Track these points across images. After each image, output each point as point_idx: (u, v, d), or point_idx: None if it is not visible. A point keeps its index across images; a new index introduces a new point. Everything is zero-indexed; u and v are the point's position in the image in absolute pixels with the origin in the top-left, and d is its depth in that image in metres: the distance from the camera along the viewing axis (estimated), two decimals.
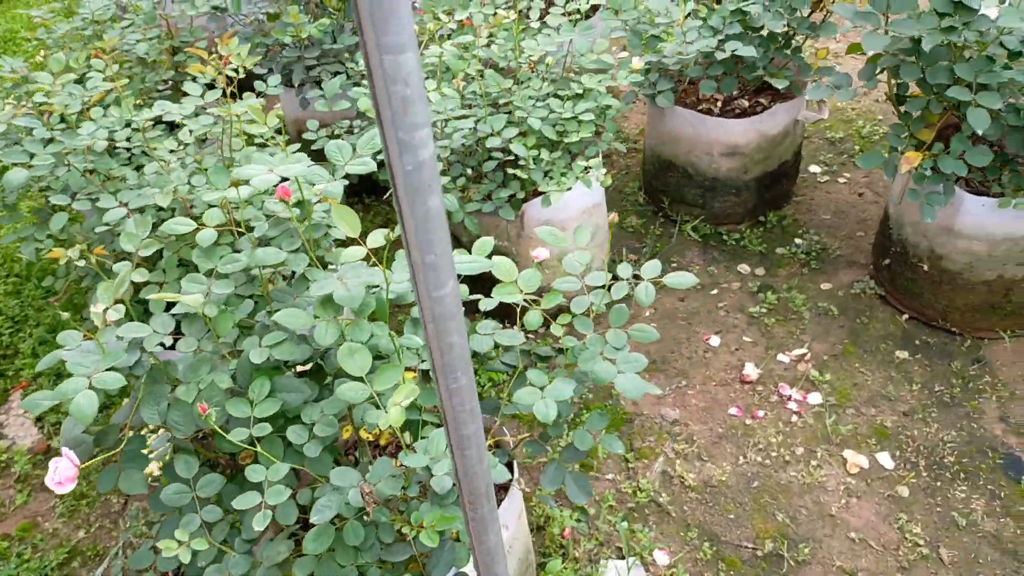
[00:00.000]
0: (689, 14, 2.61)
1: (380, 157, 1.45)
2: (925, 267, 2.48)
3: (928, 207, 2.25)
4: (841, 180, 3.20)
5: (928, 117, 2.30)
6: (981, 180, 2.35)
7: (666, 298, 2.79)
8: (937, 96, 2.24)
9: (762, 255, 2.91)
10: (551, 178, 2.36)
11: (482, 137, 2.31)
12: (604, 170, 2.36)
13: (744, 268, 2.86)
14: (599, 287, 1.59)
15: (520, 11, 2.62)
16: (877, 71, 2.29)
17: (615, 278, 1.57)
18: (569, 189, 2.35)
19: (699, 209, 2.99)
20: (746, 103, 2.82)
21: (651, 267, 1.52)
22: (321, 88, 2.73)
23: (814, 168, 3.27)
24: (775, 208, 3.05)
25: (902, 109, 2.34)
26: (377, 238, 1.29)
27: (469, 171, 2.46)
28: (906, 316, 2.61)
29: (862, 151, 3.31)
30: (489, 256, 1.39)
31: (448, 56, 2.37)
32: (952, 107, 2.23)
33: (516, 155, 2.35)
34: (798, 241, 2.92)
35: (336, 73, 2.96)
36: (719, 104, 2.82)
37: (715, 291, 2.80)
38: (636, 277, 1.55)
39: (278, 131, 2.32)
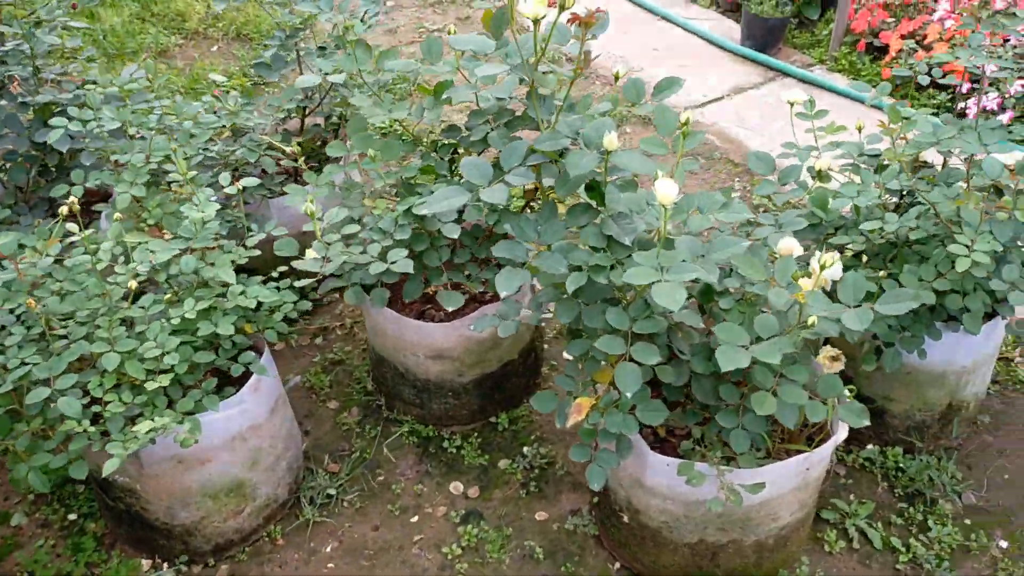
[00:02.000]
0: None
1: None
2: (625, 518, 2.09)
3: (598, 469, 1.85)
4: None
5: (608, 356, 1.93)
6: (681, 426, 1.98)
7: (357, 526, 2.36)
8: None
9: (482, 469, 2.49)
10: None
11: None
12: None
13: (457, 487, 2.45)
14: None
15: None
16: (540, 303, 1.92)
17: None
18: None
19: (418, 408, 2.59)
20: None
21: None
22: None
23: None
24: (513, 406, 2.65)
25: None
26: None
27: None
28: (618, 565, 2.20)
29: None
30: None
31: None
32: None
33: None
34: (525, 451, 2.52)
35: None
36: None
37: (416, 517, 2.37)
38: None
39: None
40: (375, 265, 2.04)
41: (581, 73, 1.79)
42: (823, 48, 4.43)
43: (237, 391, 2.09)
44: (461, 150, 2.39)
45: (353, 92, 2.38)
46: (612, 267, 1.77)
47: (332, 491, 2.43)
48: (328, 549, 2.31)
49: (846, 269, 2.13)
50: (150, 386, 1.78)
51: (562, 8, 1.67)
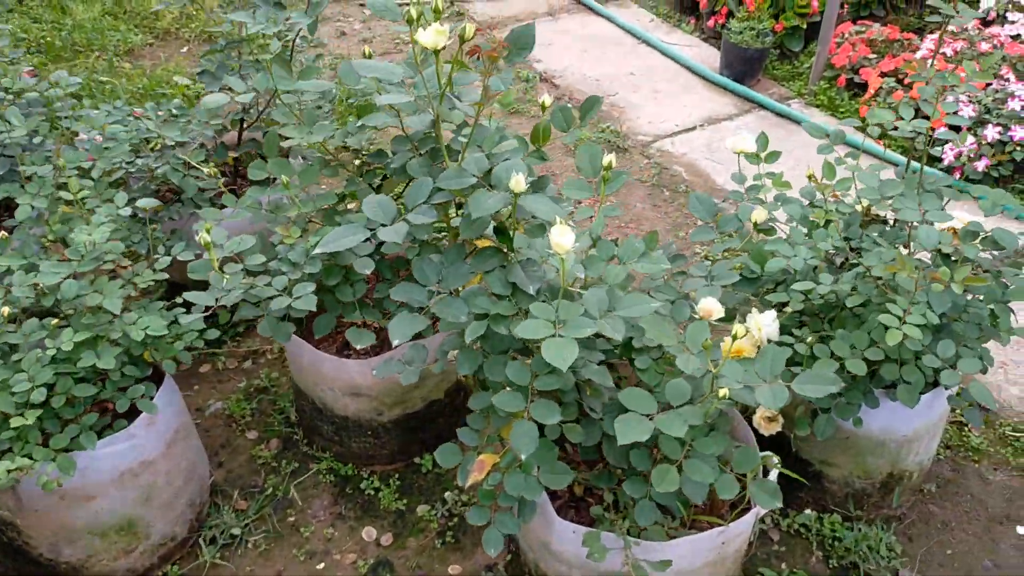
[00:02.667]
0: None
1: None
2: None
3: (496, 534, 1.72)
4: None
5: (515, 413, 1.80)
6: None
7: (259, 570, 2.22)
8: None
9: (399, 514, 2.36)
10: None
11: None
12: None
13: (370, 532, 2.31)
14: None
15: None
16: (447, 353, 1.80)
17: None
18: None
19: (337, 446, 2.46)
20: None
21: None
22: None
23: None
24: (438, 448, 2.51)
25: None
26: None
27: None
28: None
29: None
30: None
31: None
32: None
33: None
34: (447, 496, 2.38)
35: None
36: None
37: (323, 565, 2.24)
38: None
39: None
40: (278, 300, 1.91)
41: (482, 110, 1.66)
42: (803, 81, 4.31)
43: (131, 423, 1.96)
44: (388, 176, 2.26)
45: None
46: (516, 316, 1.65)
47: (237, 531, 2.30)
48: None
49: (784, 330, 2.02)
50: (15, 422, 1.64)
51: (462, 40, 1.54)
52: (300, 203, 2.13)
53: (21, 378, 1.69)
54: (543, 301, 1.63)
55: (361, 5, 5.33)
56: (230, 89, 2.17)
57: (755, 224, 2.03)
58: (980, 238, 1.73)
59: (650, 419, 1.53)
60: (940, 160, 3.54)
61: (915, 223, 1.69)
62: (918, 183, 1.82)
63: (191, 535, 2.26)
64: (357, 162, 2.28)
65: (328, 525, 2.33)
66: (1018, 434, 2.49)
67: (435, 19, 1.56)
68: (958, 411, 2.56)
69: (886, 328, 1.63)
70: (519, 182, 1.59)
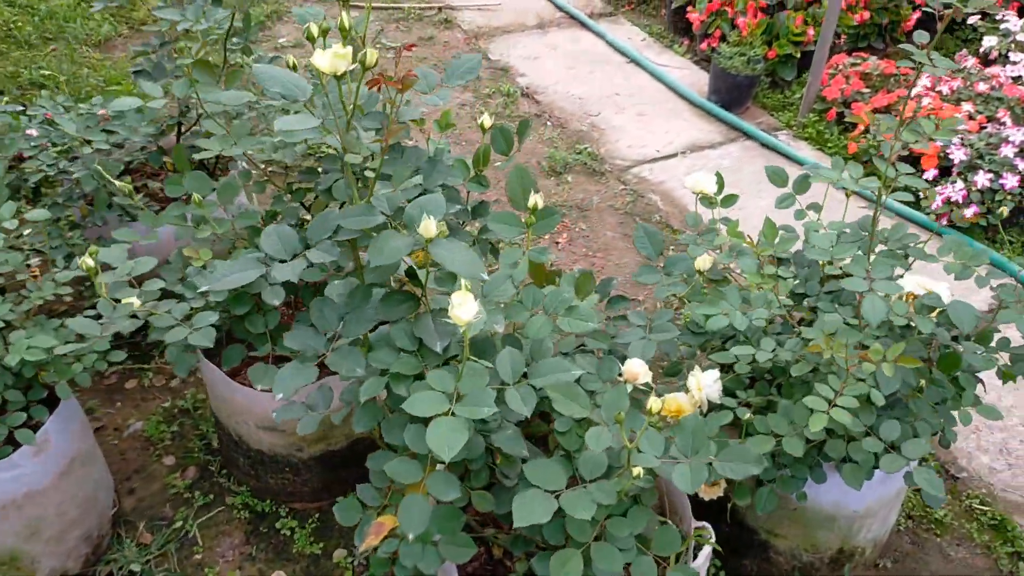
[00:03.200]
0: None
1: None
2: None
3: None
4: None
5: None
6: None
7: None
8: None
9: (313, 559, 2.19)
10: None
11: None
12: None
13: None
14: None
15: None
16: (348, 402, 1.63)
17: None
18: None
19: (254, 480, 2.29)
20: None
21: None
22: None
23: None
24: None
25: None
26: None
27: None
28: None
29: None
30: None
31: None
32: None
33: None
34: None
35: None
36: None
37: None
38: None
39: None
40: (175, 331, 1.75)
41: (387, 144, 1.50)
42: (793, 112, 4.15)
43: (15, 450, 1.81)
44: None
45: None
46: (421, 376, 1.48)
47: (136, 567, 2.13)
48: None
49: (728, 392, 1.85)
50: None
51: (364, 68, 1.37)
52: (215, 222, 1.97)
53: None
54: (449, 362, 1.47)
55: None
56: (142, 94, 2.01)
57: (700, 273, 1.87)
58: (938, 312, 1.56)
59: (557, 497, 1.36)
60: (924, 204, 3.38)
61: (861, 293, 1.53)
62: (869, 247, 1.65)
63: (86, 570, 2.10)
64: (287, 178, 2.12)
65: (236, 567, 2.17)
66: (985, 508, 2.32)
67: (343, 39, 1.40)
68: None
69: (812, 411, 1.46)
70: (429, 227, 1.42)
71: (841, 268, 1.54)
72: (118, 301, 1.75)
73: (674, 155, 3.86)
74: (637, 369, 1.49)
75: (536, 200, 1.62)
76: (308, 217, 2.09)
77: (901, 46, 1.84)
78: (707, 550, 1.68)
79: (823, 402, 1.45)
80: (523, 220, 1.65)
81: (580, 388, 1.44)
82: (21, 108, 2.38)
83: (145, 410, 2.58)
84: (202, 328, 1.74)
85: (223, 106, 2.04)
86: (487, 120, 1.96)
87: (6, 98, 3.86)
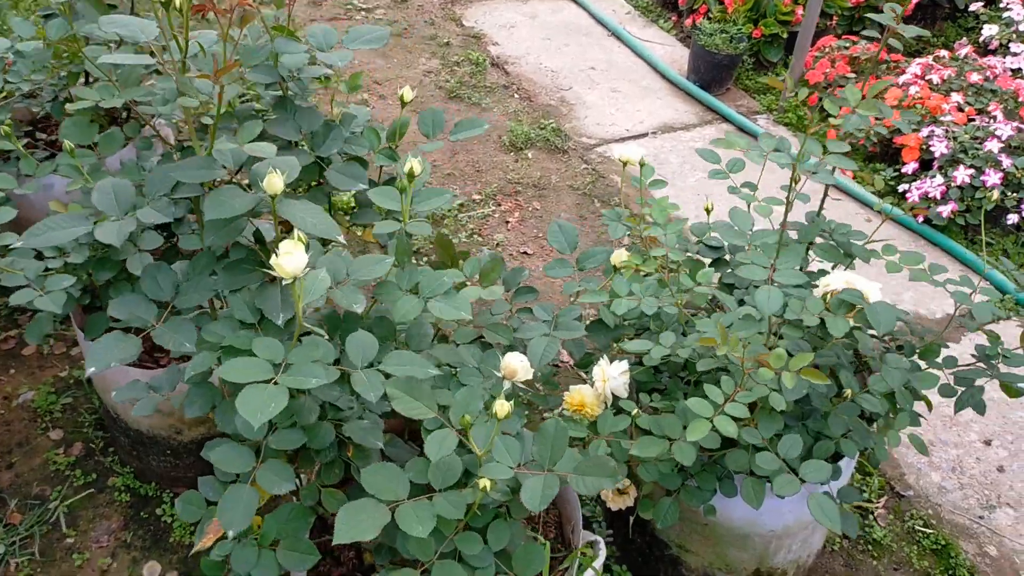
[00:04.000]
0: None
1: None
2: None
3: None
4: None
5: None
6: None
7: None
8: None
9: (191, 549, 2.02)
10: None
11: None
12: None
13: (153, 569, 1.98)
14: None
15: None
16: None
17: None
18: None
19: (137, 461, 2.12)
20: None
21: None
22: None
23: None
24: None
25: None
26: None
27: None
28: None
29: None
30: None
31: None
32: None
33: None
34: None
35: None
36: None
37: None
38: None
39: None
40: (21, 293, 1.57)
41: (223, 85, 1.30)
42: (776, 95, 3.93)
43: None
44: None
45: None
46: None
47: (0, 549, 1.97)
48: None
49: (644, 387, 1.67)
50: None
51: None
52: (88, 175, 1.78)
53: None
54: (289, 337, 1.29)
55: None
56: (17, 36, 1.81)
57: (615, 267, 1.68)
58: (855, 311, 1.36)
59: (392, 509, 1.18)
60: (905, 198, 3.17)
61: (755, 283, 1.33)
62: (780, 236, 1.45)
63: None
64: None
65: (108, 554, 2.00)
66: (929, 531, 2.13)
67: None
68: (873, 485, 2.21)
69: (693, 416, 1.27)
70: (273, 182, 1.23)
71: (740, 259, 1.34)
72: None
73: (644, 135, 3.65)
74: (515, 364, 1.30)
75: (413, 165, 1.42)
76: None
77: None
78: (591, 572, 1.50)
79: (709, 407, 1.26)
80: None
81: (426, 385, 1.25)
82: None
83: (39, 379, 2.41)
84: (52, 292, 1.55)
85: (109, 45, 1.85)
86: (408, 93, 1.76)
87: None
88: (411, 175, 1.41)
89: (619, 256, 1.67)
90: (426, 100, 3.78)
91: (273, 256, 1.09)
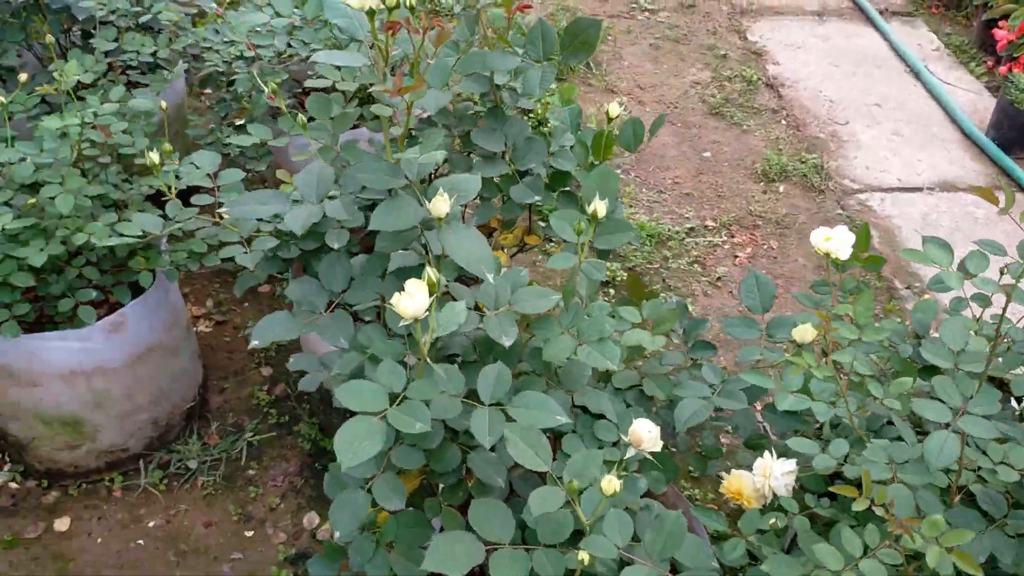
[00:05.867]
0: None
1: None
2: None
3: None
4: None
5: None
6: None
7: (192, 513, 2.11)
8: None
9: None
10: None
11: None
12: None
13: (312, 520, 2.11)
14: None
15: None
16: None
17: None
18: None
19: (322, 415, 2.27)
20: None
21: None
22: None
23: None
24: None
25: None
26: None
27: None
28: None
29: None
30: None
31: None
32: None
33: None
34: None
35: None
36: None
37: (251, 533, 2.07)
38: None
39: None
40: (230, 248, 1.70)
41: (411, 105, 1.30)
42: None
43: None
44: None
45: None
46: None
47: (193, 464, 2.19)
48: (151, 524, 2.08)
49: (807, 491, 1.51)
50: None
51: (388, 9, 1.18)
52: (324, 151, 1.90)
53: None
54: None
55: None
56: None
57: (798, 344, 1.51)
58: None
59: (491, 550, 1.16)
60: None
61: (937, 426, 1.12)
62: (989, 356, 1.21)
63: (148, 452, 2.19)
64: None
65: (279, 495, 2.16)
66: None
67: None
68: None
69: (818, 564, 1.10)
70: (439, 205, 1.24)
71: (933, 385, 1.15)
72: (189, 204, 1.75)
73: (917, 189, 3.29)
74: (642, 433, 1.22)
75: (599, 207, 1.37)
76: None
77: None
78: None
79: (839, 559, 1.09)
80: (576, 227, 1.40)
81: (543, 435, 1.20)
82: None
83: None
84: (253, 252, 1.68)
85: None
86: (614, 108, 1.70)
87: None
88: (595, 216, 1.36)
89: (804, 332, 1.50)
90: (686, 112, 3.66)
91: (396, 294, 1.09)
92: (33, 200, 1.77)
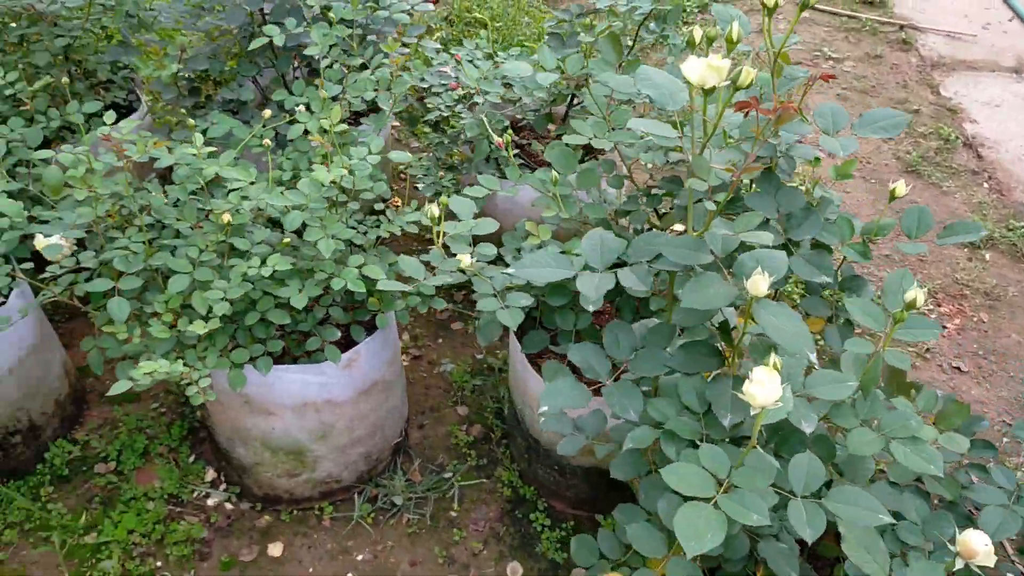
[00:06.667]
0: None
1: None
2: None
3: None
4: None
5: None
6: None
7: (398, 551, 2.13)
8: None
9: (553, 565, 2.11)
10: None
11: None
12: None
13: (515, 569, 2.10)
14: None
15: None
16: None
17: None
18: None
19: (525, 463, 2.25)
20: None
21: None
22: None
23: None
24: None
25: None
26: None
27: None
28: None
29: None
30: None
31: None
32: None
33: None
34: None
35: None
36: None
37: None
38: None
39: None
40: (487, 301, 1.71)
41: (742, 179, 1.27)
42: None
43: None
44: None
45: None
46: (697, 445, 1.28)
47: (399, 500, 2.22)
48: (360, 557, 2.11)
49: None
50: (196, 327, 1.66)
51: (736, 88, 1.16)
52: (566, 204, 1.90)
53: (220, 285, 1.70)
54: (737, 441, 1.25)
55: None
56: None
57: None
58: None
59: None
60: None
61: None
62: None
63: (358, 484, 2.23)
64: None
65: (481, 540, 2.16)
66: None
67: (729, 50, 1.20)
68: None
69: None
70: (758, 284, 1.20)
71: None
72: (451, 254, 1.77)
73: None
74: (977, 546, 1.14)
75: (916, 295, 1.30)
76: (656, 222, 1.95)
77: None
78: None
79: None
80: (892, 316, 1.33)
81: (880, 538, 1.14)
82: (441, 48, 2.51)
83: (460, 354, 2.66)
84: (511, 308, 1.69)
85: (609, 89, 1.95)
86: (901, 187, 1.64)
87: (450, 29, 4.19)
88: (912, 305, 1.29)
89: None
90: (879, 169, 3.53)
91: (747, 382, 1.05)
92: (287, 240, 1.84)
